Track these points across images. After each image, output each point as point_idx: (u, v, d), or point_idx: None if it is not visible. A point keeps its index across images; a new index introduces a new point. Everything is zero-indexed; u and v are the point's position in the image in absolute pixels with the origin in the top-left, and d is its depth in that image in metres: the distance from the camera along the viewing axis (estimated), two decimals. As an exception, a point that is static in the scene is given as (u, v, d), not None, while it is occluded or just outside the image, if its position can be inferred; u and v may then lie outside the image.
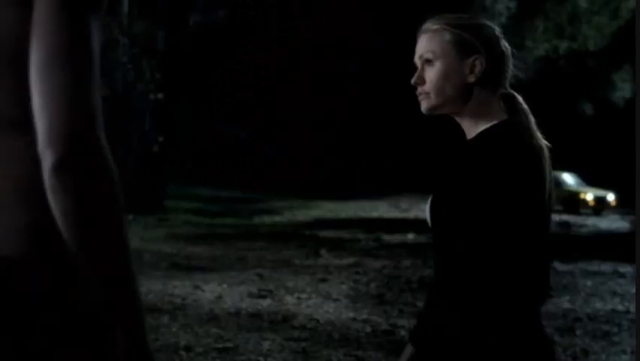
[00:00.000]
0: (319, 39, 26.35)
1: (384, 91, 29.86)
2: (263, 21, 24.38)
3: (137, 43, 11.58)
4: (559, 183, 27.87)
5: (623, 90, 29.81)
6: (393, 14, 25.39)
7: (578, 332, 7.26)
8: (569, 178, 28.27)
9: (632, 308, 8.58)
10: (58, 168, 1.18)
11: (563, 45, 26.03)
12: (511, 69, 2.07)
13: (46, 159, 1.19)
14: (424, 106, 2.00)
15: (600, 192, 27.14)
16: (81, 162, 1.20)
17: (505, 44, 2.05)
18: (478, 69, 1.97)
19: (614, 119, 31.91)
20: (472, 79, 1.97)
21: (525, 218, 1.87)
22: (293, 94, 29.64)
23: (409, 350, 2.09)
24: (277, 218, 18.78)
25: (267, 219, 18.21)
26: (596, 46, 26.35)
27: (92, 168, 1.21)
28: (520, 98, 2.05)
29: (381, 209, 23.61)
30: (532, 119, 2.02)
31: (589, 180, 28.22)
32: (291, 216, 19.37)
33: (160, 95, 12.51)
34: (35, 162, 1.22)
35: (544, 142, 1.98)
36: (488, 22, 2.12)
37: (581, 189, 27.45)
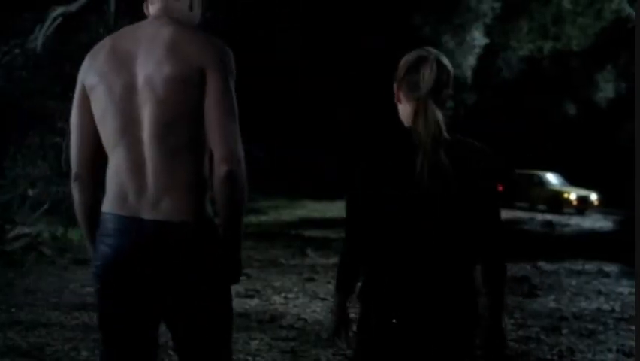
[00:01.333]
0: (307, 40, 26.33)
1: (371, 91, 29.90)
2: (250, 22, 24.33)
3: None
4: (542, 183, 28.03)
5: (605, 91, 29.97)
6: (383, 15, 25.41)
7: (564, 331, 7.31)
8: (552, 178, 28.42)
9: (617, 307, 8.65)
10: (230, 174, 2.44)
11: (548, 45, 26.12)
12: (416, 83, 2.65)
13: (222, 168, 2.44)
14: None
15: (583, 192, 27.29)
16: (239, 171, 2.45)
17: (410, 68, 2.69)
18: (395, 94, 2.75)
19: (597, 119, 32.09)
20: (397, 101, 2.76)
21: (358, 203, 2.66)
22: (279, 94, 29.61)
23: None
24: (263, 218, 18.76)
25: (253, 218, 18.15)
26: (579, 46, 26.45)
27: (242, 175, 2.47)
28: (421, 106, 2.62)
29: (366, 208, 23.65)
30: (420, 123, 2.59)
31: (572, 180, 28.37)
32: (277, 216, 19.38)
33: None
34: (198, 168, 2.54)
35: (429, 145, 2.55)
36: (409, 53, 2.77)
37: (565, 188, 27.59)
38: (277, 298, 8.37)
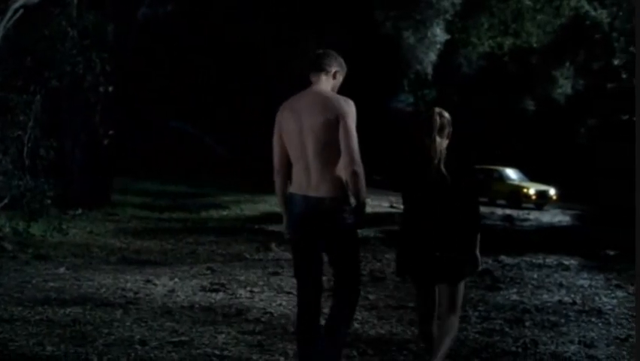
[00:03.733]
0: (269, 34, 26.23)
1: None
2: (211, 15, 24.27)
3: (86, 35, 11.45)
4: (502, 178, 28.27)
5: (563, 87, 30.32)
6: (345, 10, 25.42)
7: (527, 323, 7.41)
8: (511, 173, 28.67)
9: (578, 300, 8.79)
10: (354, 172, 4.66)
11: (508, 42, 26.37)
12: (429, 129, 4.98)
13: (349, 169, 4.67)
14: None
15: (542, 187, 27.60)
16: (359, 170, 4.66)
17: (425, 120, 5.05)
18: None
19: (556, 115, 32.45)
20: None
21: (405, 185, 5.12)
22: (240, 90, 29.51)
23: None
24: (225, 212, 18.69)
25: (214, 213, 18.10)
26: (538, 43, 26.74)
27: (361, 172, 4.68)
28: (432, 141, 4.96)
29: (328, 204, 23.66)
30: (432, 150, 4.94)
31: (531, 175, 28.66)
32: (239, 211, 19.30)
33: (110, 88, 12.38)
34: (336, 169, 4.75)
35: (435, 161, 4.92)
36: (426, 112, 5.15)
37: (524, 183, 27.87)
38: (242, 292, 8.35)
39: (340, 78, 5.12)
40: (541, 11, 25.24)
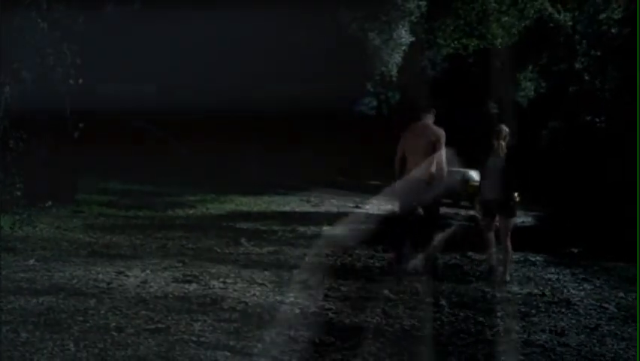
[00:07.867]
0: (236, 31, 26.18)
1: (297, 86, 29.89)
2: (178, 10, 24.13)
3: (56, 27, 11.34)
4: (466, 180, 28.46)
5: (526, 89, 30.63)
6: (310, 11, 25.44)
7: (499, 314, 7.53)
8: (475, 175, 28.78)
9: (547, 292, 8.95)
10: (441, 168, 9.80)
11: (473, 43, 26.59)
12: (500, 135, 9.92)
13: (437, 166, 9.72)
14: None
15: (505, 189, 27.76)
16: (444, 167, 9.94)
17: (499, 132, 10.04)
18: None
19: (518, 117, 32.76)
20: None
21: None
22: (205, 88, 29.38)
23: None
24: (191, 211, 18.57)
25: (181, 212, 17.96)
26: (503, 45, 27.01)
27: (445, 168, 9.99)
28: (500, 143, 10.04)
29: (293, 204, 23.66)
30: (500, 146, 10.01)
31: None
32: (205, 210, 19.18)
33: (80, 81, 12.24)
34: (433, 164, 9.99)
35: (502, 152, 9.91)
36: (501, 127, 10.00)
37: (487, 185, 27.97)
38: (216, 283, 8.33)
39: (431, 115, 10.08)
40: (506, 13, 25.51)
